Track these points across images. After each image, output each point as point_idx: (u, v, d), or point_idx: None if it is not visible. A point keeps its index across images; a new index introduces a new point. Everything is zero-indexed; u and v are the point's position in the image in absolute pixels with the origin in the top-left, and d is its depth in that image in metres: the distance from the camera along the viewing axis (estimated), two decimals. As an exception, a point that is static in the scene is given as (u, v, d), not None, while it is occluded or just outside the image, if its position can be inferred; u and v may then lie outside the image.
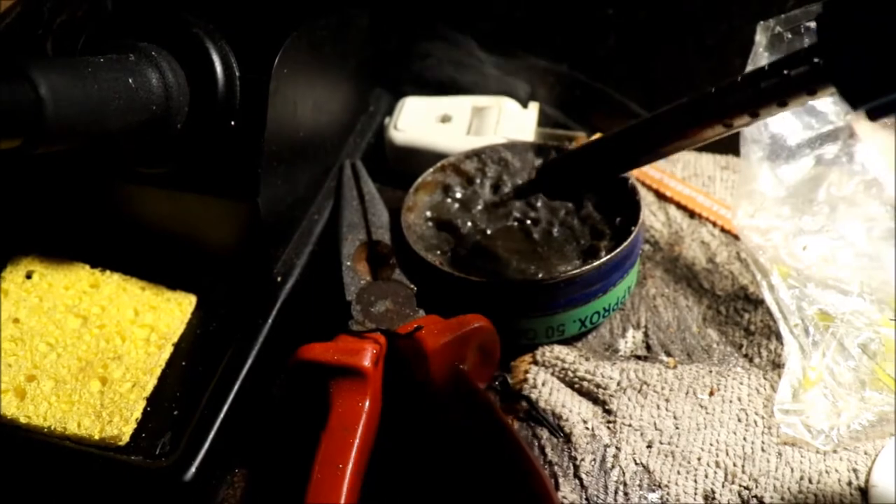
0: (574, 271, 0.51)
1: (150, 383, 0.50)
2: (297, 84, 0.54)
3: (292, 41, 0.53)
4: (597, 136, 0.61)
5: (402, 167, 0.64)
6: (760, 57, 0.55)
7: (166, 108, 0.49)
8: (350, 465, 0.44)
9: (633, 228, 0.53)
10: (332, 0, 0.59)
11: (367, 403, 0.46)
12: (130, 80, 0.46)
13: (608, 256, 0.51)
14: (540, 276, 0.52)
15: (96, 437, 0.47)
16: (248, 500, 0.49)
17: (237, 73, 0.51)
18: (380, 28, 0.67)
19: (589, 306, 0.53)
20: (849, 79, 0.40)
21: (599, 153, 0.57)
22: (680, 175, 0.66)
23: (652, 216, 0.63)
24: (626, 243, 0.52)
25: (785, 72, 0.45)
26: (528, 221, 0.57)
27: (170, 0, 0.53)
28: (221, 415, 0.48)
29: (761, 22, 0.56)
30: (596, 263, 0.51)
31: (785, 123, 0.61)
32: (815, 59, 0.43)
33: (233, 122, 0.51)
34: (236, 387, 0.49)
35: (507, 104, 0.67)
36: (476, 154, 0.61)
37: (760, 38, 0.56)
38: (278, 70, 0.51)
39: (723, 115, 0.49)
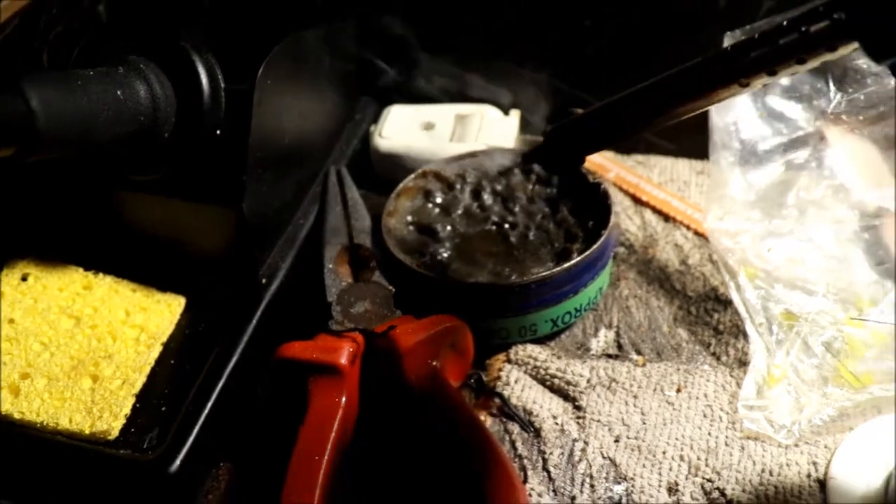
0: (544, 273, 0.53)
1: (140, 381, 0.52)
2: (281, 94, 0.56)
3: (276, 53, 0.55)
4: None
5: (386, 173, 0.66)
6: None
7: (154, 119, 0.51)
8: (326, 457, 0.46)
9: (602, 232, 0.55)
10: (316, 13, 0.61)
11: (344, 399, 0.49)
12: (119, 93, 0.49)
13: (577, 259, 0.54)
14: (513, 278, 0.54)
15: (87, 432, 0.49)
16: (232, 492, 0.51)
17: (222, 85, 0.53)
18: (366, 39, 0.69)
19: (560, 307, 0.55)
20: (872, 33, 0.39)
21: (612, 113, 0.57)
22: (657, 180, 0.68)
23: (628, 220, 0.66)
24: (595, 246, 0.54)
25: (804, 28, 0.44)
26: (506, 225, 0.60)
27: (159, 14, 0.55)
28: (206, 411, 0.50)
29: (728, 32, 0.58)
30: (565, 266, 0.53)
31: (755, 130, 0.63)
32: (836, 15, 0.42)
33: (218, 132, 0.53)
34: (220, 384, 0.51)
35: (489, 112, 0.69)
36: (456, 160, 0.63)
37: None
38: (262, 81, 0.53)
39: (739, 74, 0.48)
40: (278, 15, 0.58)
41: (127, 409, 0.51)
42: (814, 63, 0.45)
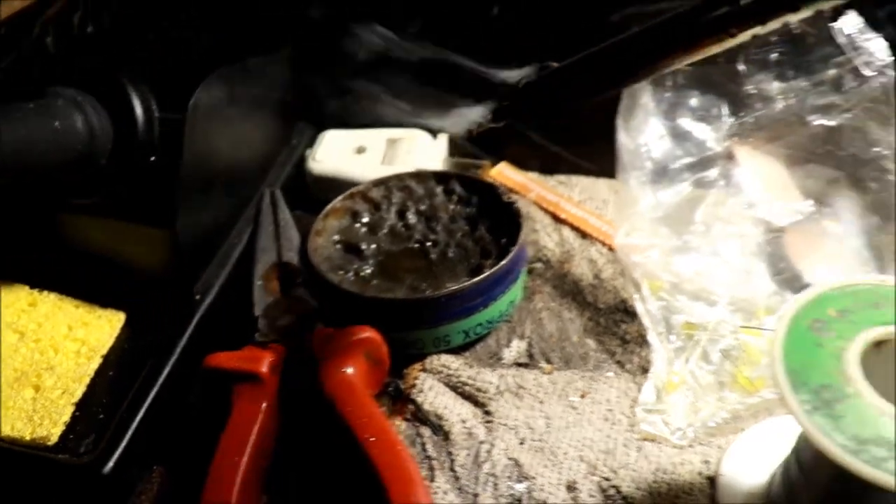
0: (454, 288, 0.57)
1: (79, 391, 0.56)
2: (213, 123, 0.61)
3: (207, 84, 0.59)
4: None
5: (320, 195, 0.70)
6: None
7: (90, 147, 0.55)
8: (245, 458, 0.50)
9: (511, 248, 0.59)
10: (247, 47, 0.65)
11: (264, 405, 0.53)
12: (56, 124, 0.53)
13: (486, 274, 0.58)
14: (427, 292, 0.59)
15: (27, 438, 0.53)
16: (163, 492, 0.55)
17: (156, 114, 0.57)
18: (300, 68, 0.73)
19: (471, 319, 0.59)
20: None
21: (594, 65, 0.58)
22: (577, 198, 0.73)
23: (547, 237, 0.70)
24: (502, 263, 0.58)
25: None
26: (429, 243, 0.64)
27: (98, 50, 0.59)
28: (138, 418, 0.54)
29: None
30: (474, 280, 0.58)
31: (665, 150, 0.67)
32: None
33: (153, 158, 0.57)
34: (153, 393, 0.55)
35: (419, 136, 0.74)
36: (383, 182, 0.67)
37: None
38: (193, 111, 0.58)
39: (729, 23, 0.49)
40: (212, 48, 0.62)
41: (66, 417, 0.54)
42: (806, 12, 0.46)
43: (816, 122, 0.61)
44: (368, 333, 0.55)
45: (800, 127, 0.63)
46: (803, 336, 0.45)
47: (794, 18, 0.47)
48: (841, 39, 0.59)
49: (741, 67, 0.62)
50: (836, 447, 0.40)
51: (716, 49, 0.52)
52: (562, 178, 0.75)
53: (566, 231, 0.71)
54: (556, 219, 0.71)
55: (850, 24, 0.60)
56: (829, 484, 0.46)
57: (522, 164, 0.76)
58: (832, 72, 0.61)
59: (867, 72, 0.60)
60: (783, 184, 0.67)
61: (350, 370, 0.54)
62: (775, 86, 0.64)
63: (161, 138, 0.58)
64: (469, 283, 0.57)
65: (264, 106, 0.70)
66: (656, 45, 0.53)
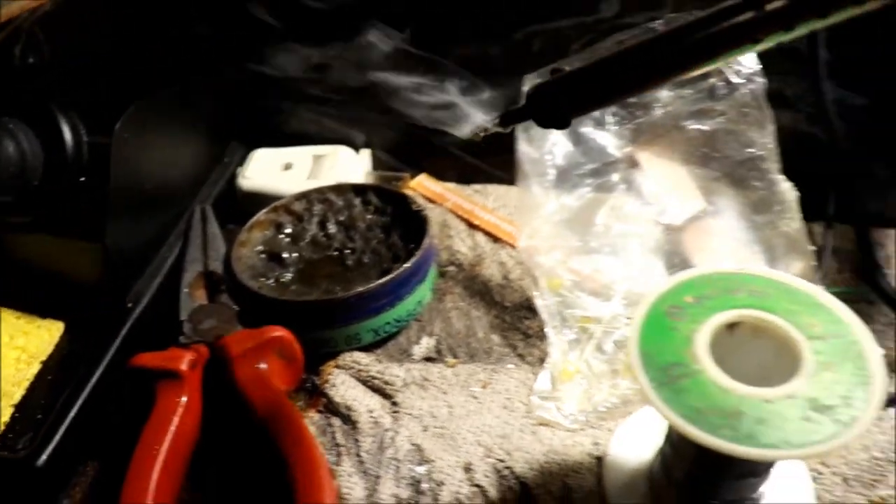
0: (361, 289, 0.62)
1: (18, 394, 0.61)
2: (141, 145, 0.66)
3: (133, 110, 0.64)
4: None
5: (250, 209, 0.75)
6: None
7: (22, 170, 0.61)
8: (165, 446, 0.55)
9: (416, 253, 0.65)
10: (175, 73, 0.71)
11: (185, 399, 0.58)
12: (-11, 150, 0.59)
13: (390, 276, 0.63)
14: (338, 295, 0.64)
15: (-32, 438, 0.58)
16: (95, 485, 0.60)
17: (85, 138, 0.63)
18: (228, 92, 0.79)
19: (380, 318, 0.64)
20: None
21: (607, 73, 0.55)
22: (491, 206, 0.78)
23: (461, 242, 0.75)
24: (406, 265, 0.64)
25: None
26: (346, 251, 0.69)
27: (30, 79, 0.65)
28: (71, 416, 0.59)
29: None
30: (380, 282, 0.63)
31: (569, 157, 0.72)
32: None
33: (82, 178, 0.62)
34: (85, 393, 0.60)
35: (342, 151, 0.79)
36: (305, 196, 0.73)
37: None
38: (120, 134, 0.63)
39: (754, 28, 0.46)
40: (139, 76, 0.68)
41: (5, 418, 0.59)
42: (836, 18, 0.44)
43: (692, 127, 0.67)
44: (279, 332, 0.60)
45: (678, 132, 0.69)
46: (660, 321, 0.50)
47: (820, 25, 0.44)
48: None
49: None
50: (676, 416, 0.45)
51: (737, 55, 0.52)
52: (477, 187, 0.81)
53: (479, 236, 0.76)
54: (471, 225, 0.77)
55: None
56: (694, 456, 0.51)
57: (441, 175, 0.81)
58: (708, 81, 0.67)
59: (737, 80, 0.66)
60: (683, 184, 0.73)
61: (262, 366, 0.59)
62: (656, 95, 0.69)
63: (90, 160, 0.63)
64: (375, 284, 0.62)
65: (195, 128, 0.75)
66: (675, 51, 0.51)
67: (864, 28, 0.72)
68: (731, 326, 0.50)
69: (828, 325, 0.49)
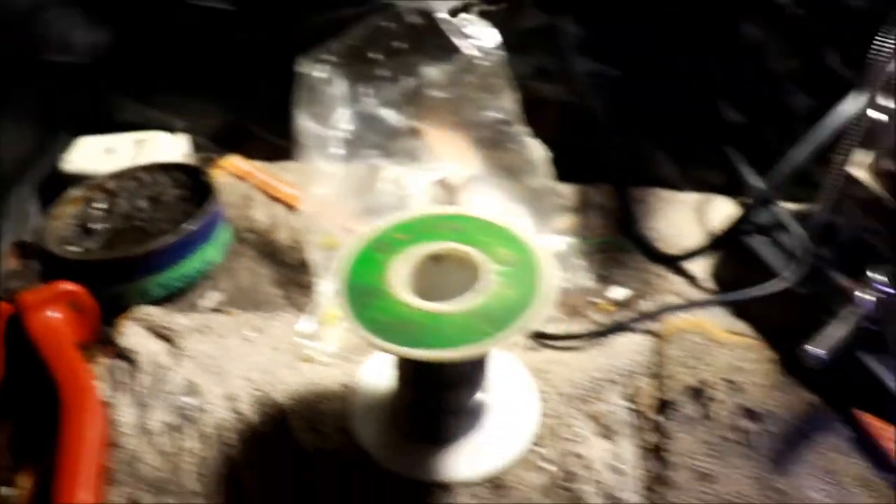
0: (142, 249, 0.72)
1: None
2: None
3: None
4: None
5: (75, 190, 0.85)
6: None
7: None
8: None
9: (199, 216, 0.74)
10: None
11: (-14, 348, 0.67)
12: None
13: (173, 236, 0.72)
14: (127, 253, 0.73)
15: None
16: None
17: None
18: (51, 83, 0.88)
19: (166, 274, 0.74)
20: None
21: None
22: (290, 180, 0.88)
23: (260, 212, 0.85)
24: (189, 227, 0.73)
25: None
26: (152, 221, 0.79)
27: None
28: None
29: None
30: (164, 240, 0.72)
31: (355, 132, 0.81)
32: None
33: None
34: None
35: (161, 137, 0.89)
36: (118, 175, 0.82)
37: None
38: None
39: None
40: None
41: None
42: None
43: (435, 95, 0.77)
44: (69, 286, 0.69)
45: (446, 104, 0.79)
46: (368, 255, 0.60)
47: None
48: (455, 31, 0.75)
49: (378, 56, 0.77)
50: (363, 329, 0.54)
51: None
52: (281, 164, 0.91)
53: (278, 207, 0.86)
54: (272, 197, 0.86)
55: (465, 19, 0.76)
56: (406, 372, 0.61)
57: (253, 155, 0.91)
58: (450, 55, 0.77)
59: (478, 54, 0.76)
60: (459, 150, 0.83)
61: (54, 315, 0.68)
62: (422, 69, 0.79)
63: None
64: (158, 242, 0.72)
65: (19, 118, 0.84)
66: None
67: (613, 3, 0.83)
68: (438, 259, 0.60)
69: (517, 254, 0.59)
